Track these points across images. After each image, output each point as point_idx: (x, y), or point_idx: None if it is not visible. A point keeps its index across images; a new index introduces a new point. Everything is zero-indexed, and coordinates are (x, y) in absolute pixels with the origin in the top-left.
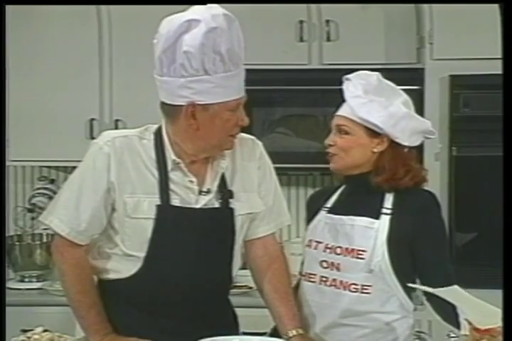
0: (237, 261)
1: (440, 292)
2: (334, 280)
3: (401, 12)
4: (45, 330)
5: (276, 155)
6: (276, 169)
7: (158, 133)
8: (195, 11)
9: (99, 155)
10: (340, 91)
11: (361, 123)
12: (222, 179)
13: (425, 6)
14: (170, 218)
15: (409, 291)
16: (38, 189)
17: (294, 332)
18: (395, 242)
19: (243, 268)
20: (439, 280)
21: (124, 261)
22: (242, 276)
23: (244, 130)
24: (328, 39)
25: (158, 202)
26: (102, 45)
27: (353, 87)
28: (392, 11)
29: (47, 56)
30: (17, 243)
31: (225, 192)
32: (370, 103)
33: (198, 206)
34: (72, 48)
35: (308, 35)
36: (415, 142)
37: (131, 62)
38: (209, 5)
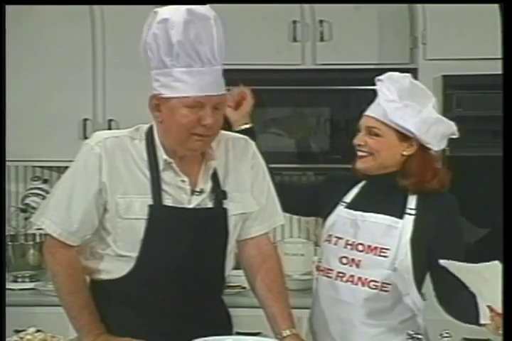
0: (229, 260)
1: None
2: (352, 276)
3: (394, 12)
4: (37, 331)
5: (270, 155)
6: (270, 169)
7: (149, 133)
8: (170, 6)
9: (90, 155)
10: (334, 91)
11: (393, 127)
12: (216, 179)
13: (418, 7)
14: (162, 218)
15: (420, 290)
16: (31, 189)
17: (288, 332)
18: (417, 242)
19: (236, 268)
20: (453, 280)
21: (116, 262)
22: (235, 276)
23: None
24: (322, 39)
25: (151, 203)
26: (95, 45)
27: (387, 90)
28: (385, 11)
29: (40, 56)
30: (10, 243)
31: (218, 193)
32: (405, 108)
33: (190, 206)
34: (65, 48)
35: (301, 35)
36: (443, 145)
37: (125, 62)
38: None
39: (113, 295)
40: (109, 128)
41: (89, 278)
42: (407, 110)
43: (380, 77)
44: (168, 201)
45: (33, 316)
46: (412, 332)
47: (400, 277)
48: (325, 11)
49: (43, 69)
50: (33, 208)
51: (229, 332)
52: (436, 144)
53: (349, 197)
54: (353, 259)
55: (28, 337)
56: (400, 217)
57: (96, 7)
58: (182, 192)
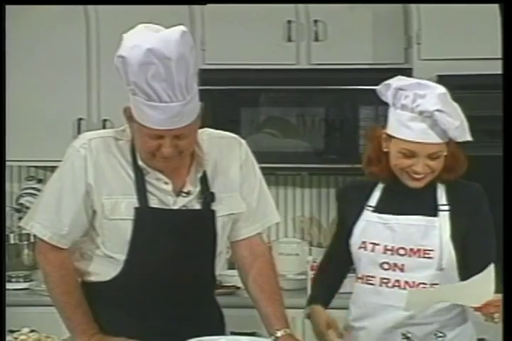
0: (220, 261)
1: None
2: (397, 281)
3: (389, 12)
4: (31, 331)
5: (264, 155)
6: (264, 169)
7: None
8: (139, 34)
9: (75, 157)
10: (329, 91)
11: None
12: (205, 180)
13: (413, 7)
14: (148, 220)
15: None
16: (26, 189)
17: (282, 332)
18: (457, 237)
19: (231, 268)
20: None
21: (106, 263)
22: (229, 276)
23: (230, 129)
24: (317, 39)
25: (136, 203)
26: (90, 46)
27: (450, 118)
28: (380, 11)
29: (35, 56)
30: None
31: (207, 195)
32: (462, 124)
33: (175, 207)
34: (59, 49)
35: (296, 35)
36: None
37: None
38: (162, 32)
39: (103, 297)
40: (104, 128)
41: (80, 280)
42: (463, 125)
43: (435, 106)
44: (153, 202)
45: (27, 316)
46: (405, 332)
47: (446, 276)
48: (319, 10)
49: (37, 70)
50: (28, 208)
51: (221, 331)
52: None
53: (373, 201)
54: (395, 264)
55: (23, 337)
56: (435, 214)
57: (90, 7)
58: (166, 194)
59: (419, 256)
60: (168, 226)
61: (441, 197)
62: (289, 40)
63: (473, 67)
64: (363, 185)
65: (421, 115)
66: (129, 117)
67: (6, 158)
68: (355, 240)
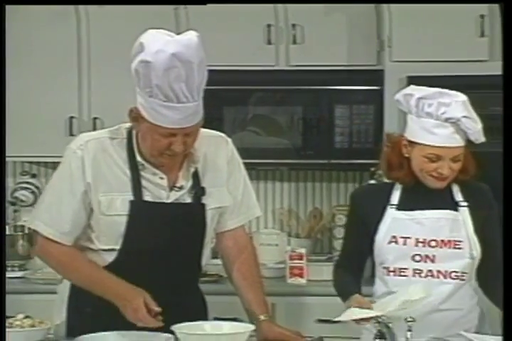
0: (206, 251)
1: None
2: (430, 271)
3: (362, 17)
4: (26, 317)
5: (247, 151)
6: (246, 164)
7: (130, 133)
8: (159, 40)
9: (73, 159)
10: (307, 91)
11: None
12: (196, 176)
13: (385, 12)
14: (143, 212)
15: None
16: (20, 183)
17: (263, 317)
18: (477, 230)
19: (214, 257)
20: (497, 264)
21: (99, 255)
22: (213, 265)
23: (215, 127)
24: (295, 42)
25: (131, 198)
26: (81, 47)
27: (474, 122)
28: (354, 16)
29: (27, 57)
30: None
31: (198, 189)
32: (481, 127)
33: (168, 201)
34: (51, 49)
35: (275, 38)
36: None
37: (109, 63)
38: (180, 37)
39: None
40: (94, 126)
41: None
42: (481, 127)
43: (461, 113)
44: (147, 197)
45: (22, 303)
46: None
47: (471, 265)
48: (297, 15)
49: (30, 70)
50: (22, 201)
51: (204, 316)
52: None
53: (395, 200)
54: (426, 255)
55: (18, 322)
56: (455, 209)
57: (81, 8)
58: (160, 189)
59: (450, 247)
60: (161, 218)
61: (458, 194)
62: (269, 42)
63: (441, 68)
64: (380, 187)
65: (446, 122)
66: (135, 117)
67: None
68: (382, 236)
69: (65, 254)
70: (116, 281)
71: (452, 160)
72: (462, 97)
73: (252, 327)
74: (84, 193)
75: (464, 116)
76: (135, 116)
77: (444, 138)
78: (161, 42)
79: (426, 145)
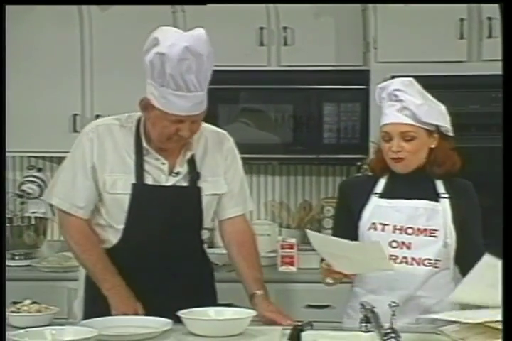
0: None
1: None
2: (405, 257)
3: (349, 20)
4: (33, 302)
5: (240, 146)
6: (240, 159)
7: (139, 121)
8: (172, 35)
9: (85, 140)
10: (296, 90)
11: (423, 127)
12: (193, 163)
13: (371, 15)
14: (144, 194)
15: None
16: (27, 177)
17: (259, 293)
18: (456, 222)
19: (210, 246)
20: (476, 250)
21: (108, 231)
22: (209, 254)
23: (210, 124)
24: (285, 44)
25: (133, 181)
26: (84, 47)
27: (410, 96)
28: (341, 19)
29: (33, 57)
30: (8, 225)
31: (193, 174)
32: (430, 108)
33: (167, 184)
34: (55, 50)
35: (267, 40)
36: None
37: (110, 63)
38: (191, 33)
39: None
40: None
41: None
42: (432, 110)
43: (396, 86)
44: (148, 180)
45: (29, 289)
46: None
47: (446, 254)
48: (288, 18)
49: (36, 69)
50: (29, 194)
51: (211, 282)
52: (451, 130)
53: (379, 189)
54: (403, 242)
55: (25, 307)
56: (436, 200)
57: (84, 9)
58: (161, 173)
59: (426, 235)
60: (160, 200)
61: (440, 186)
62: (261, 44)
63: (423, 69)
64: (366, 178)
65: (389, 99)
66: (145, 106)
67: (10, 149)
68: (364, 222)
69: (81, 232)
70: (113, 283)
71: (402, 138)
72: (408, 79)
73: (253, 312)
74: (93, 171)
75: (396, 89)
76: (145, 104)
77: (389, 115)
78: (174, 37)
79: (381, 126)
